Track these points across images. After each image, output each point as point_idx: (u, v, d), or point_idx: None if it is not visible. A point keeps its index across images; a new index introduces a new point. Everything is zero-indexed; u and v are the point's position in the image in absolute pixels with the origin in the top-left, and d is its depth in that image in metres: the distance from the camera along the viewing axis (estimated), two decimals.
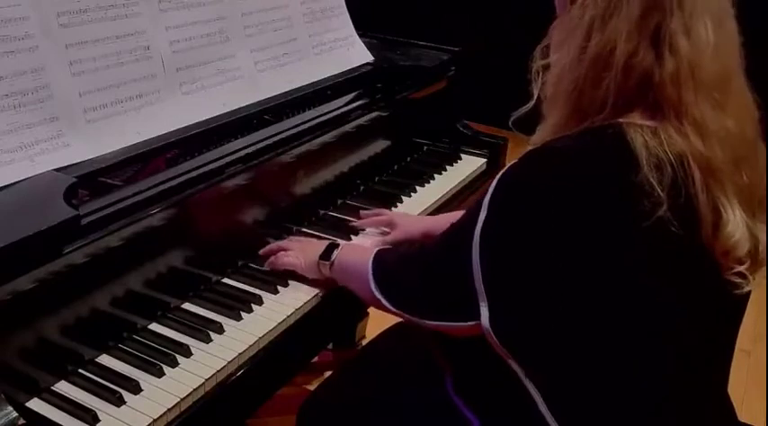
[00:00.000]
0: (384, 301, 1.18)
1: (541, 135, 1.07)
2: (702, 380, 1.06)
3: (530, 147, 1.04)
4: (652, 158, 0.94)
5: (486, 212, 1.01)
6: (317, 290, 1.36)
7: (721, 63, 0.99)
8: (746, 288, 1.02)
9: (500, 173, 1.02)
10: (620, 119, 0.98)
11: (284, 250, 1.40)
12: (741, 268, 1.00)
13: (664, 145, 0.96)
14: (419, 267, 1.15)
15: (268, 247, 1.43)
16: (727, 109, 0.99)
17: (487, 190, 1.02)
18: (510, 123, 1.14)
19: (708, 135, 0.97)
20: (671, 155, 0.95)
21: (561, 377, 1.00)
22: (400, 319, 1.26)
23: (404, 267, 1.20)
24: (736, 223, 0.98)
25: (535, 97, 1.07)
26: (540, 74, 1.07)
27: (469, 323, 1.04)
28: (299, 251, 1.39)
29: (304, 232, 1.54)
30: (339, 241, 1.42)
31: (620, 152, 0.95)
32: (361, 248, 1.40)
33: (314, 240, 1.46)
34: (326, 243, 1.38)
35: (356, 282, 1.27)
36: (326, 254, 1.34)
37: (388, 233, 1.55)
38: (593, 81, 0.99)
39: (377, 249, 1.28)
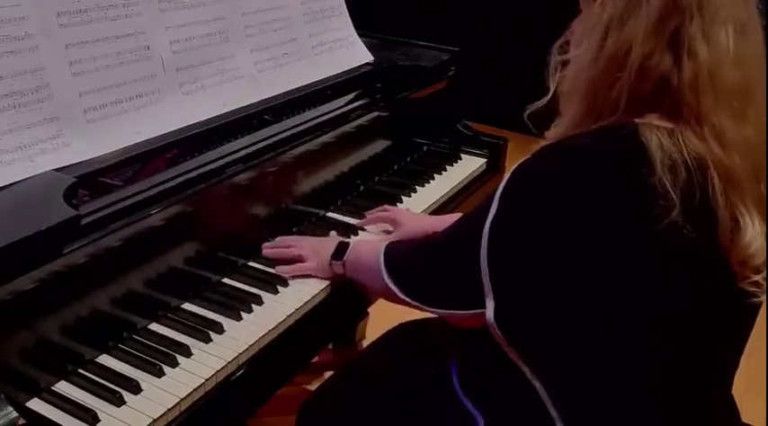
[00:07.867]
0: (396, 290, 1.19)
1: (557, 130, 1.06)
2: (708, 381, 1.05)
3: (544, 142, 1.04)
4: (666, 160, 0.94)
5: (497, 206, 1.01)
6: (315, 291, 1.36)
7: (742, 72, 0.97)
8: (762, 297, 1.01)
9: (514, 167, 1.01)
10: (637, 120, 0.97)
11: (290, 248, 1.42)
12: (757, 277, 0.99)
13: (681, 146, 0.95)
14: (429, 257, 1.16)
15: (274, 246, 1.44)
16: (747, 118, 0.98)
17: (500, 184, 1.02)
18: (525, 117, 1.12)
19: (727, 143, 0.96)
20: (687, 158, 0.94)
21: (564, 373, 1.00)
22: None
23: (414, 257, 1.21)
24: (754, 233, 0.97)
25: (551, 92, 1.07)
26: (558, 69, 1.06)
27: (475, 311, 1.04)
28: (313, 254, 1.40)
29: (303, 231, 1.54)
30: (347, 239, 1.44)
31: (635, 153, 0.95)
32: (369, 243, 1.42)
33: (323, 239, 1.46)
34: (336, 241, 1.39)
35: (367, 276, 1.29)
36: (339, 254, 1.36)
37: (391, 231, 1.55)
38: (607, 82, 0.98)
39: (387, 242, 1.29)
